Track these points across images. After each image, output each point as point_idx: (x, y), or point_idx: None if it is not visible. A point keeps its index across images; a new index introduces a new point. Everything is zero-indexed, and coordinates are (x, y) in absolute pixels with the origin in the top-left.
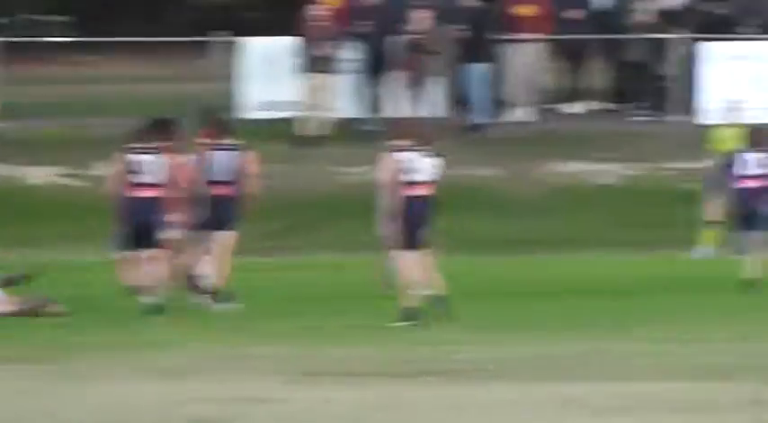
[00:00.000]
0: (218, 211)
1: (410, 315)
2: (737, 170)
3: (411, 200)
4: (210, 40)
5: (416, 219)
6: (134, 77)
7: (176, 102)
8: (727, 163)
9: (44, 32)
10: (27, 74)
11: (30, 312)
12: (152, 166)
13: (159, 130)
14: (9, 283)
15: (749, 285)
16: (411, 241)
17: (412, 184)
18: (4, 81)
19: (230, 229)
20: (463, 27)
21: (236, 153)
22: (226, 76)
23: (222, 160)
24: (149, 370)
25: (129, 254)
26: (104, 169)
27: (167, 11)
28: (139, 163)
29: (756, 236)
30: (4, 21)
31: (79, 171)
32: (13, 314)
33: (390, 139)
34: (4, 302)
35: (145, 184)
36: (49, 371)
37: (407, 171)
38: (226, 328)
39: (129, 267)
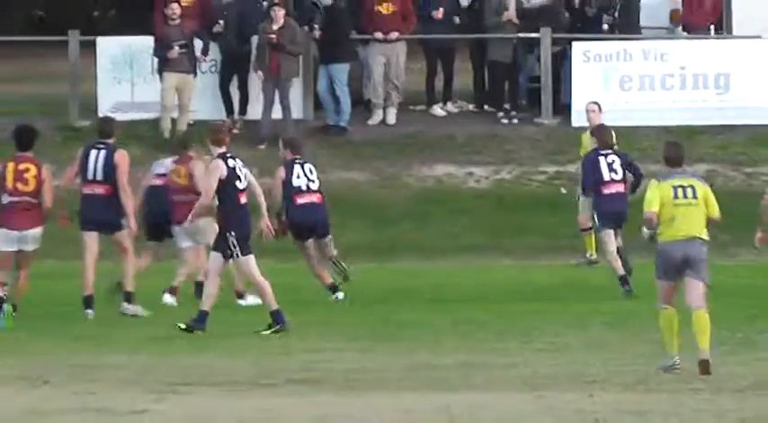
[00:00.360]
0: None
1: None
2: (595, 175)
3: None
4: (64, 39)
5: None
6: None
7: (36, 103)
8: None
9: None
10: None
11: None
12: None
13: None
14: None
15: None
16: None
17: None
18: None
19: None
20: (320, 26)
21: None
22: (81, 76)
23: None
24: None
25: None
26: None
27: (14, 9)
28: None
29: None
30: None
31: None
32: None
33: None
34: None
35: None
36: None
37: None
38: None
39: None
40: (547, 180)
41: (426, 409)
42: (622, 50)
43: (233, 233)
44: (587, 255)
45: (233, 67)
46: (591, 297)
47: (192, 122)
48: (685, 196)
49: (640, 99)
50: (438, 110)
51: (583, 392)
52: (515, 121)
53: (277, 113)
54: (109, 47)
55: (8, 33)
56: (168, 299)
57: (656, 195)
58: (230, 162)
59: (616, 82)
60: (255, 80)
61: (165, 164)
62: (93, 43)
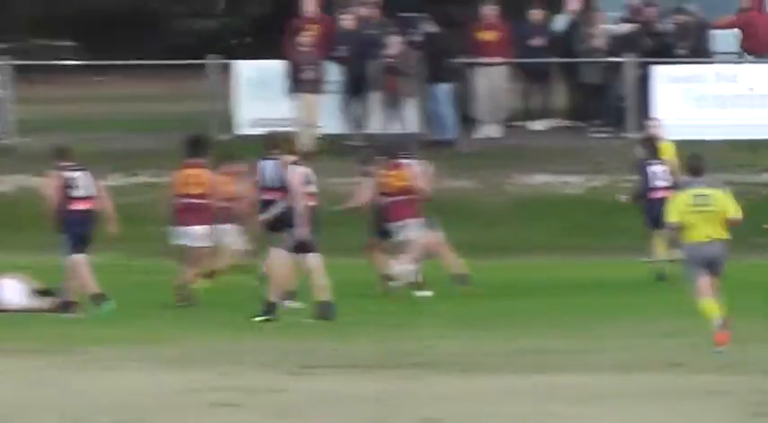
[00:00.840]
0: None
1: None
2: (650, 182)
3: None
4: (206, 62)
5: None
6: (136, 97)
7: (177, 119)
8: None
9: (53, 56)
10: (38, 94)
11: (51, 309)
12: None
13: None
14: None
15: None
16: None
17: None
18: (17, 100)
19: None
20: (429, 51)
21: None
22: (221, 95)
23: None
24: (155, 361)
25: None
26: (116, 180)
27: (165, 35)
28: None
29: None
30: (16, 45)
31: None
32: (32, 310)
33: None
34: (26, 298)
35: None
36: (63, 362)
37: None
38: (219, 323)
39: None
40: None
41: (528, 389)
42: (698, 73)
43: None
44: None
45: (355, 88)
46: (672, 290)
47: (319, 136)
48: (704, 204)
49: (713, 116)
50: (536, 125)
51: (670, 373)
52: (604, 135)
53: (394, 129)
54: (245, 69)
55: (154, 57)
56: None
57: (673, 207)
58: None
59: (692, 101)
60: (374, 99)
61: None
62: (229, 67)
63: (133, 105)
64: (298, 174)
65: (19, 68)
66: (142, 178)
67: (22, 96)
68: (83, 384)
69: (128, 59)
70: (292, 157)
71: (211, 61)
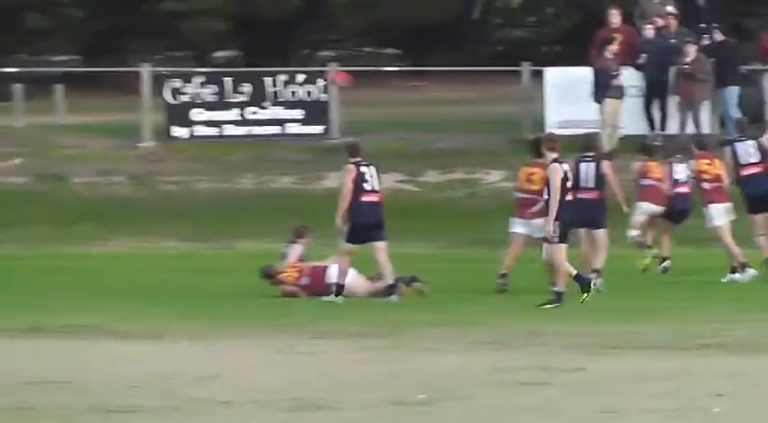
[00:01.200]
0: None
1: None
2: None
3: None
4: (520, 69)
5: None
6: (452, 100)
7: (491, 120)
8: None
9: (379, 63)
10: (366, 98)
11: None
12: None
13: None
14: (412, 280)
15: None
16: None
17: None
18: (347, 104)
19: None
20: (719, 58)
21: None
22: (533, 99)
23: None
24: (467, 343)
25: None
26: (435, 177)
27: (477, 44)
28: None
29: None
30: (344, 53)
31: (413, 178)
32: (369, 295)
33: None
34: (363, 285)
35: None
36: (386, 344)
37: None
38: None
39: None
40: None
41: None
42: None
43: (558, 222)
44: None
45: (654, 92)
46: None
47: (621, 137)
48: None
49: None
50: None
51: None
52: None
53: (689, 129)
54: (554, 75)
55: (471, 64)
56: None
57: None
58: (564, 165)
59: None
60: (673, 102)
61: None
62: (542, 73)
63: (449, 108)
64: (558, 171)
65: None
66: (457, 175)
67: (346, 99)
68: (398, 365)
69: (446, 66)
70: (554, 155)
71: (524, 68)
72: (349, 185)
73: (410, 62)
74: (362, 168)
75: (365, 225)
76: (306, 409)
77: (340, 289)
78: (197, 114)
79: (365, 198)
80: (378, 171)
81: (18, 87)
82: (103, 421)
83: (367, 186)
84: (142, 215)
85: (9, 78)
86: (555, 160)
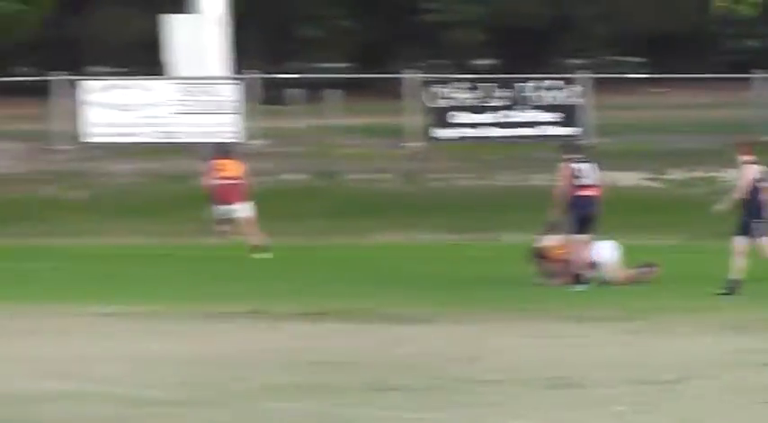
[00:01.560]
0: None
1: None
2: None
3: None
4: (752, 76)
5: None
6: (693, 105)
7: (723, 124)
8: None
9: (624, 70)
10: (612, 102)
11: (637, 280)
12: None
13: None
14: (649, 265)
15: None
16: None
17: None
18: (595, 107)
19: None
20: None
21: None
22: (765, 104)
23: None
24: (707, 327)
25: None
26: (678, 174)
27: (713, 53)
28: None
29: None
30: (594, 61)
31: (657, 175)
32: (626, 282)
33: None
34: (620, 272)
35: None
36: (638, 328)
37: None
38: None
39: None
40: None
41: None
42: None
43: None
44: None
45: None
46: None
47: None
48: None
49: None
50: None
51: None
52: None
53: None
54: None
55: (709, 71)
56: None
57: None
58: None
59: None
60: None
61: None
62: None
63: (689, 112)
64: (750, 172)
65: (596, 81)
66: (698, 173)
67: (598, 104)
68: (642, 347)
69: (688, 73)
70: (748, 157)
71: (757, 76)
72: (563, 182)
73: (653, 70)
74: (576, 165)
75: (585, 217)
76: (559, 387)
77: (582, 277)
78: (458, 117)
79: (580, 193)
80: (597, 167)
81: (298, 92)
82: (377, 399)
83: (582, 181)
84: (411, 209)
85: (285, 84)
86: (748, 162)
